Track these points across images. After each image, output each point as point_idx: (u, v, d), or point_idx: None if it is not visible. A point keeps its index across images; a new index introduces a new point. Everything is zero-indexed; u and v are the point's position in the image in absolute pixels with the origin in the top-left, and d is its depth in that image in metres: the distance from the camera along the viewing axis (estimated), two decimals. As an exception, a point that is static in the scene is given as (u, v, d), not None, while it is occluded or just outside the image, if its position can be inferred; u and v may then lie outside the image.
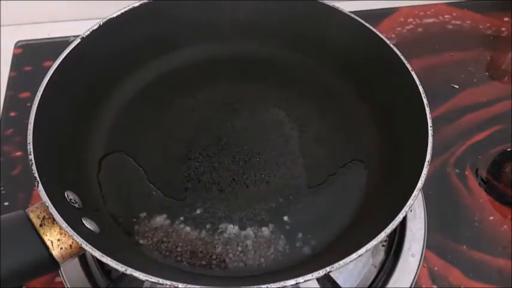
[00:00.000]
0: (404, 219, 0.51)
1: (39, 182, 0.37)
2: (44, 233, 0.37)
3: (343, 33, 0.52)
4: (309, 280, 0.34)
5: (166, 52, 0.55)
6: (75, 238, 0.36)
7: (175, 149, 0.49)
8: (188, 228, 0.43)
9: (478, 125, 0.62)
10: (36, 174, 0.38)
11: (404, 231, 0.51)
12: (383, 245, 0.51)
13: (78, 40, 0.47)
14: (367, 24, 0.50)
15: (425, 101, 0.44)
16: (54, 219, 0.36)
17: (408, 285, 0.48)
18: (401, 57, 0.47)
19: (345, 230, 0.43)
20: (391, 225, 0.37)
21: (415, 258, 0.50)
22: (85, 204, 0.42)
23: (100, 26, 0.49)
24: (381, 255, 0.51)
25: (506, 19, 0.73)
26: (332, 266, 0.35)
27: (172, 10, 0.53)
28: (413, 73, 0.46)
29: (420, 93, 0.44)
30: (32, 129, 0.40)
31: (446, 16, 0.73)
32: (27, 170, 0.42)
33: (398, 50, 0.48)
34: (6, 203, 0.54)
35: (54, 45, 0.68)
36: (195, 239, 0.43)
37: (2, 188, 0.55)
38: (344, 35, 0.52)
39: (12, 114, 0.62)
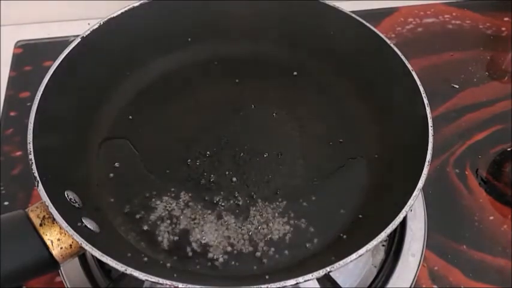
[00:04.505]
0: (404, 219, 0.51)
1: (39, 182, 0.38)
2: (44, 233, 0.37)
3: (344, 33, 0.52)
4: (309, 280, 0.34)
5: (166, 52, 0.54)
6: (75, 238, 0.36)
7: (175, 149, 0.49)
8: (188, 228, 0.43)
9: (478, 125, 0.62)
10: (36, 174, 0.38)
11: (404, 231, 0.51)
12: (383, 245, 0.51)
13: (78, 40, 0.47)
14: (367, 24, 0.50)
15: (425, 100, 0.44)
16: (54, 219, 0.36)
17: (408, 285, 0.48)
18: (402, 57, 0.47)
19: (345, 230, 0.43)
20: (391, 225, 0.37)
21: (415, 258, 0.50)
22: (85, 203, 0.42)
23: (100, 26, 0.49)
24: (381, 255, 0.51)
25: (506, 19, 0.73)
26: (332, 266, 0.35)
27: (172, 10, 0.53)
28: (413, 73, 0.46)
29: (421, 93, 0.45)
30: (32, 129, 0.40)
31: (446, 16, 0.73)
32: (27, 170, 0.42)
33: (399, 49, 0.48)
34: (6, 203, 0.54)
35: (54, 45, 0.68)
36: (195, 239, 0.43)
37: (2, 188, 0.55)
38: (344, 35, 0.52)
39: (12, 114, 0.62)
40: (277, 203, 0.45)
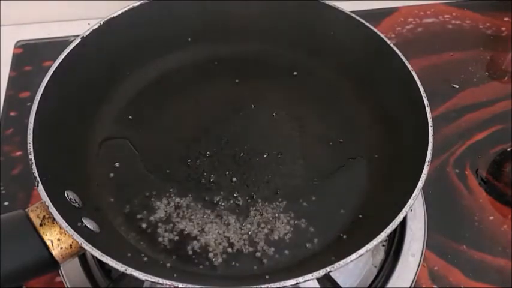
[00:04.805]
0: (404, 219, 0.51)
1: (39, 182, 0.38)
2: (44, 233, 0.37)
3: (344, 32, 0.52)
4: (309, 280, 0.34)
5: (166, 52, 0.54)
6: (75, 238, 0.36)
7: (175, 149, 0.49)
8: (188, 228, 0.43)
9: (478, 125, 0.62)
10: (36, 174, 0.38)
11: (404, 231, 0.51)
12: (383, 245, 0.51)
13: (78, 40, 0.47)
14: (367, 24, 0.50)
15: (425, 100, 0.44)
16: (54, 219, 0.36)
17: (408, 285, 0.48)
18: (402, 57, 0.47)
19: (345, 230, 0.43)
20: (391, 225, 0.37)
21: (415, 258, 0.50)
22: (85, 203, 0.41)
23: (100, 26, 0.49)
24: (381, 255, 0.51)
25: (506, 19, 0.73)
26: (332, 266, 0.35)
27: (172, 10, 0.53)
28: (413, 73, 0.46)
29: (421, 93, 0.45)
30: (32, 129, 0.40)
31: (446, 16, 0.73)
32: (27, 170, 0.42)
33: (399, 49, 0.48)
34: (6, 203, 0.54)
35: (54, 45, 0.68)
36: (196, 239, 0.43)
37: (2, 188, 0.55)
38: (344, 35, 0.52)
39: (12, 114, 0.62)
40: (277, 203, 0.45)
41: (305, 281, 0.34)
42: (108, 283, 0.47)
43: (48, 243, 0.37)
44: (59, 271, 0.48)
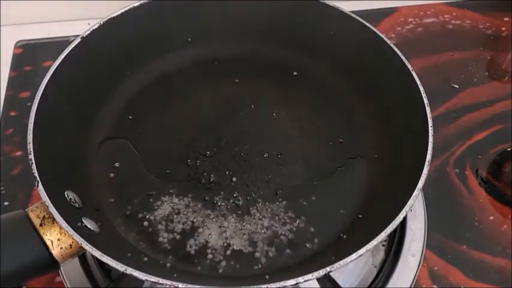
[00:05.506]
0: (404, 219, 0.51)
1: (39, 182, 0.38)
2: (44, 233, 0.37)
3: (344, 32, 0.52)
4: (309, 280, 0.34)
5: (166, 52, 0.55)
6: (75, 238, 0.36)
7: (175, 149, 0.49)
8: (188, 228, 0.43)
9: (478, 125, 0.62)
10: (36, 174, 0.38)
11: (404, 231, 0.51)
12: (383, 245, 0.51)
13: (78, 40, 0.47)
14: (367, 24, 0.50)
15: (425, 100, 0.44)
16: (54, 219, 0.36)
17: (408, 285, 0.48)
18: (402, 57, 0.47)
19: (345, 230, 0.43)
20: (391, 225, 0.37)
21: (415, 258, 0.50)
22: (85, 203, 0.42)
23: (100, 26, 0.49)
24: (381, 255, 0.51)
25: (506, 19, 0.73)
26: (332, 266, 0.35)
27: (172, 10, 0.53)
28: (413, 73, 0.46)
29: (421, 93, 0.45)
30: (32, 129, 0.40)
31: (446, 16, 0.73)
32: (27, 170, 0.42)
33: (399, 49, 0.48)
34: (6, 203, 0.54)
35: (54, 45, 0.68)
36: (195, 239, 0.43)
37: (2, 188, 0.55)
38: (344, 35, 0.52)
39: (12, 114, 0.62)
40: (277, 203, 0.45)
41: (305, 281, 0.34)
42: (108, 283, 0.47)
43: (48, 243, 0.37)
44: (59, 271, 0.48)
